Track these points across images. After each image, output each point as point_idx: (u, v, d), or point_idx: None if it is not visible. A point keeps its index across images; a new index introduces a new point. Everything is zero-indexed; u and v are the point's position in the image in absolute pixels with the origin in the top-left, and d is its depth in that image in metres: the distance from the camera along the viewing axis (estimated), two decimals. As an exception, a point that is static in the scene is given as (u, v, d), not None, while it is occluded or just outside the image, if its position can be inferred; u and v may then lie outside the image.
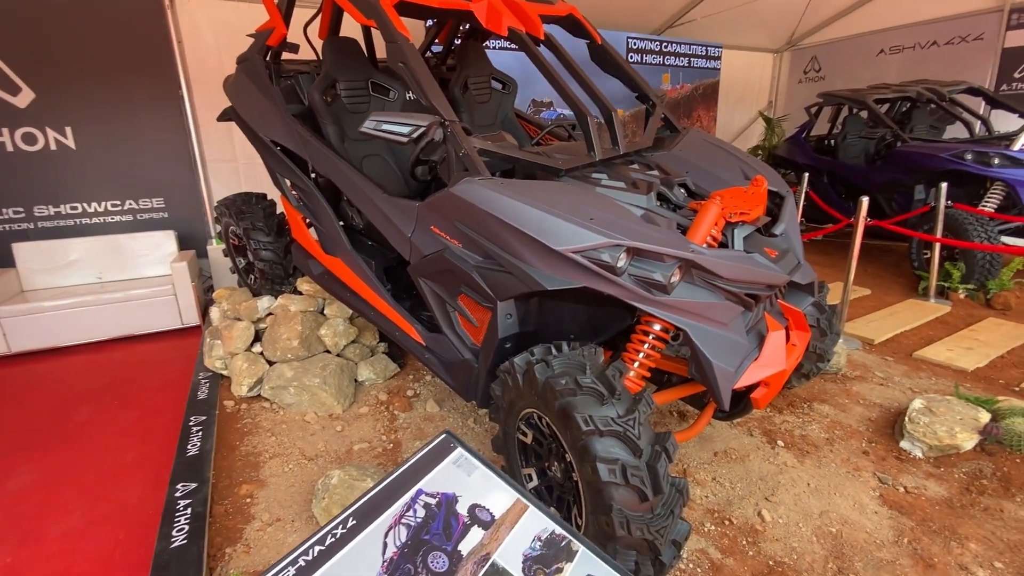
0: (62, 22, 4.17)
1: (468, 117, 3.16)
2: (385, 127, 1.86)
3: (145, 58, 4.49)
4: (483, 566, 0.68)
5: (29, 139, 4.25)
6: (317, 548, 0.62)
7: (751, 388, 1.94)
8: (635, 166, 2.13)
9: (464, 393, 2.23)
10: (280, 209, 3.48)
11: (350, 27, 2.79)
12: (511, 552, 0.74)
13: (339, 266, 2.73)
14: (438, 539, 0.68)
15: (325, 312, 3.28)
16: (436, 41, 3.62)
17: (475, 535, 0.72)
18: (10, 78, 4.10)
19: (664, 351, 1.96)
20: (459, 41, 3.50)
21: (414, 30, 2.83)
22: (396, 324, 2.51)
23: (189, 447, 2.51)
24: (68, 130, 4.35)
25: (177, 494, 2.17)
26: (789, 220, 2.14)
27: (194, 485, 2.22)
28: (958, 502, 2.14)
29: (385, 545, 0.66)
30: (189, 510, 2.07)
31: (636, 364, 1.83)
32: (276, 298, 3.31)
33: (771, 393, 1.96)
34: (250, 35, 3.00)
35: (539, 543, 0.75)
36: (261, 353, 3.15)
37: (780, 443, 2.53)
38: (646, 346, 1.83)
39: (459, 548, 0.70)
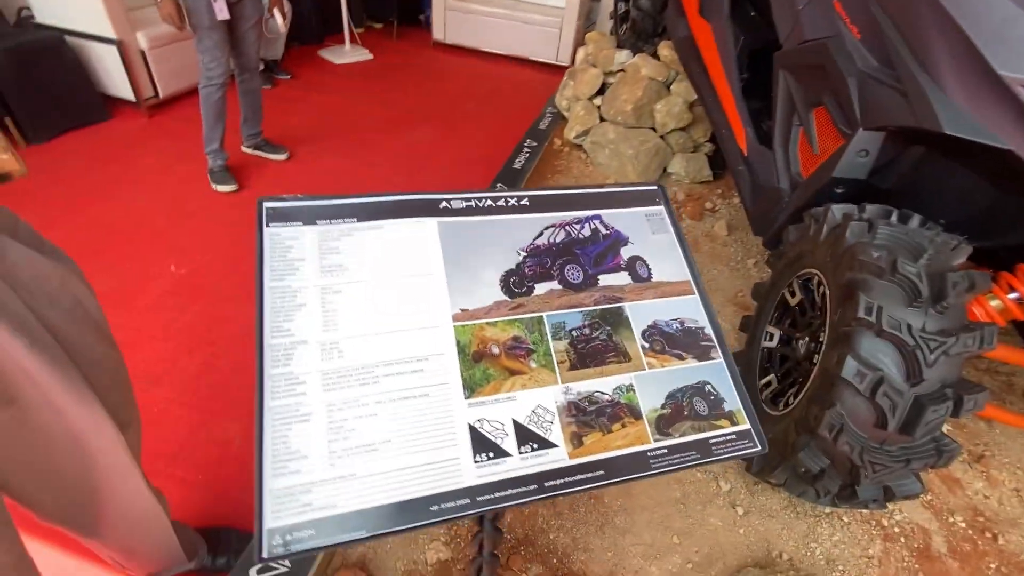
0: None
1: None
2: None
3: None
4: (608, 303, 0.65)
5: None
6: (488, 202, 0.69)
7: None
8: None
9: (755, 225, 1.95)
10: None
11: None
12: (643, 312, 0.67)
13: (705, 33, 2.39)
14: (586, 260, 0.67)
15: (671, 88, 3.08)
16: None
17: (621, 278, 0.68)
18: None
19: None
20: None
21: None
22: (728, 120, 2.20)
23: (516, 161, 3.00)
24: None
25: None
26: None
27: (507, 189, 2.72)
28: None
29: (540, 233, 0.68)
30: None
31: (1014, 296, 1.24)
32: (634, 56, 3.22)
33: None
34: None
35: (679, 326, 0.67)
36: (599, 107, 3.27)
37: None
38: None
39: (599, 277, 0.68)
